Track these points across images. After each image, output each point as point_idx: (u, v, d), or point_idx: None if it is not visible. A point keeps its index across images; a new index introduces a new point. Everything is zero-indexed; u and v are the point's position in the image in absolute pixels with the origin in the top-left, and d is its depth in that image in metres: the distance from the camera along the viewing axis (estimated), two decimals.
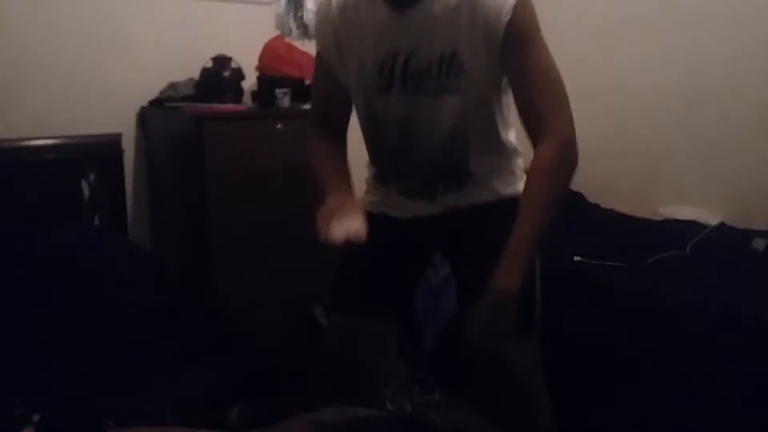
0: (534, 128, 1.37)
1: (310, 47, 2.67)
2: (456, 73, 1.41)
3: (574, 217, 2.61)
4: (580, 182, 2.54)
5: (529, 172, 1.39)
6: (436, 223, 1.59)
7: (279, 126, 2.49)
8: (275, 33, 2.85)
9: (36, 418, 1.16)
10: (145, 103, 2.67)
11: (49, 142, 2.40)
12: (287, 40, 2.82)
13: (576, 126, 1.37)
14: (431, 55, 1.41)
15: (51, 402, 1.20)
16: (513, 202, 1.44)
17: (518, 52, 1.35)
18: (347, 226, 1.36)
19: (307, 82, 2.58)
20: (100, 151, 2.50)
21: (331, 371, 1.65)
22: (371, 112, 1.53)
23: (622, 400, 2.02)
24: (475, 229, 1.55)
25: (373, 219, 1.60)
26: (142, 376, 1.51)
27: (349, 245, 1.35)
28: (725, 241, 2.33)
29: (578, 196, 2.89)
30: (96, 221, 2.45)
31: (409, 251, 1.66)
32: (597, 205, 2.88)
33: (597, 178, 2.90)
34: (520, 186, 1.56)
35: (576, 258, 2.23)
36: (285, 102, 2.59)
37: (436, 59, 1.41)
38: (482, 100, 1.46)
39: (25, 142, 2.36)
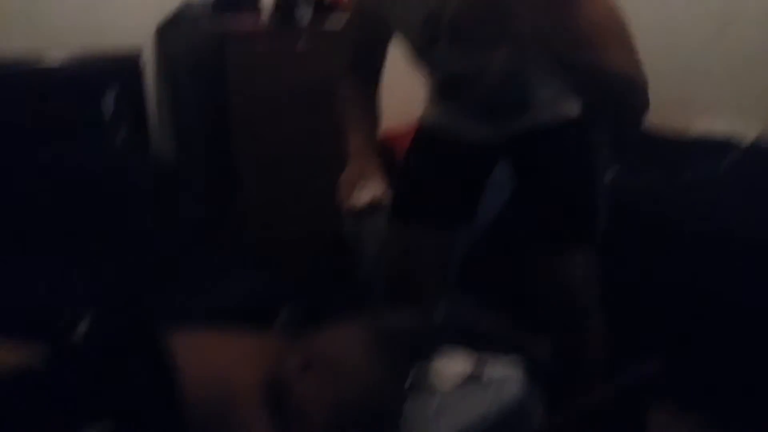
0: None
1: None
2: (508, 25, 1.27)
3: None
4: None
5: None
6: (499, 144, 1.56)
7: (301, 44, 2.43)
8: None
9: (86, 321, 1.15)
10: (163, 18, 2.59)
11: (69, 56, 2.34)
12: None
13: None
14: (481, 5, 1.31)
15: (102, 305, 1.19)
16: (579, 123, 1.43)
17: None
18: (369, 191, 1.35)
19: None
20: (121, 67, 2.44)
21: (384, 276, 1.66)
22: (421, 60, 1.48)
23: (647, 323, 2.01)
24: (539, 151, 1.53)
25: (434, 135, 1.59)
26: (187, 282, 1.51)
27: (373, 207, 1.34)
28: (761, 158, 2.29)
29: None
30: (119, 139, 2.41)
31: (471, 167, 1.64)
32: None
33: None
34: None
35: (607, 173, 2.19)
36: (306, 18, 2.51)
37: (485, 9, 1.30)
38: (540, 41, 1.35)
39: (46, 57, 2.29)
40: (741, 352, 1.85)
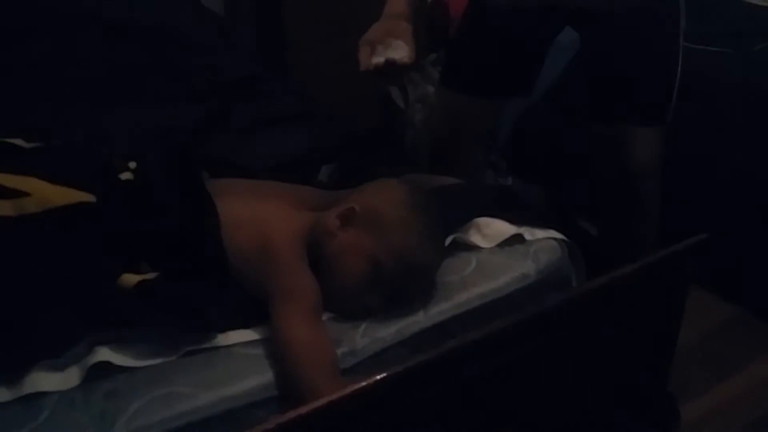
0: None
1: None
2: None
3: None
4: None
5: None
6: (564, 7, 1.43)
7: None
8: None
9: (133, 165, 1.17)
10: None
11: None
12: None
13: None
14: None
15: (148, 151, 1.20)
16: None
17: None
18: (391, 51, 1.22)
19: None
20: None
21: (423, 150, 1.63)
22: None
23: (725, 203, 1.94)
24: (612, 16, 1.40)
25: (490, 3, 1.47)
26: (230, 136, 1.51)
27: (393, 69, 1.22)
28: None
29: None
30: None
31: (531, 33, 1.53)
32: None
33: None
34: None
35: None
36: None
37: None
38: None
39: None
40: None
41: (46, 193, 1.01)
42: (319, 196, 1.22)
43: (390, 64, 1.23)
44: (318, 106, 1.71)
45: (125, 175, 1.14)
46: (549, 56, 1.61)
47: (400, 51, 1.24)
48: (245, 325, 1.02)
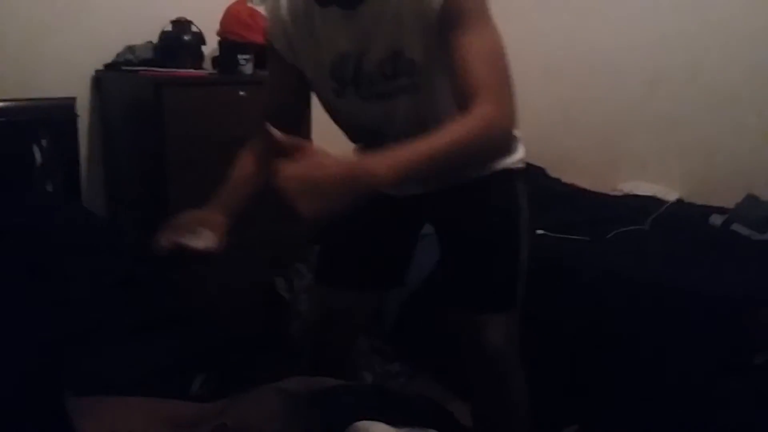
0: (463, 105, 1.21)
1: None
2: (407, 72, 1.33)
3: (535, 190, 2.62)
4: (541, 156, 2.58)
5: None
6: (423, 199, 1.53)
7: (242, 93, 2.44)
8: None
9: None
10: (100, 66, 2.58)
11: (0, 105, 2.30)
12: (250, 4, 2.75)
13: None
14: (379, 55, 1.32)
15: (6, 379, 1.15)
16: (503, 174, 1.46)
17: (454, 29, 1.22)
18: (198, 236, 1.26)
19: None
20: (53, 115, 2.42)
21: (304, 343, 1.64)
22: (332, 109, 1.48)
23: (585, 374, 2.05)
24: (462, 203, 1.51)
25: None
26: (101, 346, 1.47)
27: (194, 257, 1.26)
28: (684, 217, 2.38)
29: (540, 171, 2.91)
30: (49, 187, 2.37)
31: (398, 224, 1.62)
32: (558, 180, 2.91)
33: (558, 152, 2.94)
34: (509, 159, 1.51)
35: (538, 231, 2.24)
36: (248, 68, 2.54)
37: (384, 59, 1.32)
38: (444, 91, 1.31)
39: None
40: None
41: None
42: (194, 410, 1.19)
43: (189, 250, 1.26)
44: (195, 308, 1.71)
45: None
46: (421, 247, 1.70)
47: (203, 241, 1.27)
48: None
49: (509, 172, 1.52)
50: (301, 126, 1.55)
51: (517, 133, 1.45)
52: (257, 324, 2.38)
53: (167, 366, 1.39)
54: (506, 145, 1.38)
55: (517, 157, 1.53)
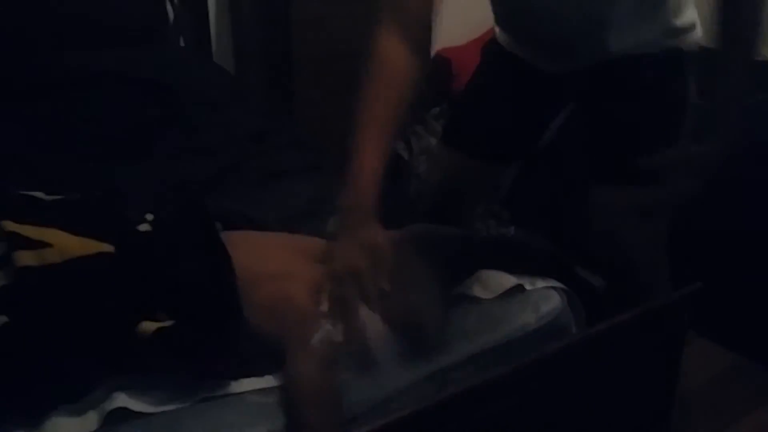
0: None
1: None
2: None
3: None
4: None
5: None
6: (573, 76, 1.45)
7: None
8: None
9: (150, 217, 1.22)
10: None
11: None
12: None
13: None
14: None
15: (165, 203, 1.26)
16: (669, 53, 1.35)
17: None
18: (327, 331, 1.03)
19: None
20: None
21: (422, 204, 1.66)
22: None
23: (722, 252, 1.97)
24: (617, 83, 1.41)
25: (505, 55, 1.51)
26: (239, 189, 1.57)
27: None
28: None
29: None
30: (181, 43, 2.46)
31: (538, 98, 1.54)
32: None
33: None
34: (679, 40, 1.39)
35: None
36: None
37: None
38: None
39: None
40: None
41: (67, 244, 1.06)
42: (329, 244, 1.26)
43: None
44: (325, 159, 1.77)
45: (143, 227, 1.19)
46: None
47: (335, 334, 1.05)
48: (258, 374, 1.06)
49: (678, 53, 1.40)
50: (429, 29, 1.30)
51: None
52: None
53: (302, 209, 1.47)
54: None
55: (692, 37, 1.41)
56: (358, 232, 1.13)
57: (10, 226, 1.05)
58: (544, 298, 1.25)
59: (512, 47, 1.53)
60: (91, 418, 0.97)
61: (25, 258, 1.02)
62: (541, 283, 1.27)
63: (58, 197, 1.23)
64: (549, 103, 1.59)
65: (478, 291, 1.25)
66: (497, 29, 1.57)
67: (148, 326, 0.99)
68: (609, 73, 1.41)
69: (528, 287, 1.26)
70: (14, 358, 0.96)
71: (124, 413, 0.97)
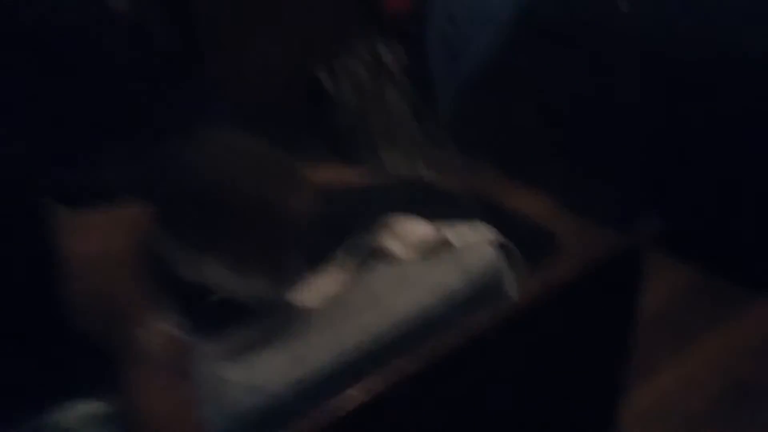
0: None
1: None
2: None
3: None
4: None
5: None
6: None
7: None
8: None
9: None
10: None
11: None
12: None
13: None
14: None
15: None
16: None
17: None
18: None
19: None
20: None
21: None
22: None
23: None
24: None
25: None
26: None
27: None
28: None
29: None
30: None
31: None
32: None
33: None
34: None
35: None
36: None
37: None
38: None
39: None
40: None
41: None
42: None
43: None
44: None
45: None
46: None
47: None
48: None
49: None
50: None
51: None
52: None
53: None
54: None
55: None
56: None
57: None
58: (476, 256, 1.05)
59: None
60: None
61: None
62: (471, 237, 1.07)
63: None
64: None
65: (396, 248, 1.06)
66: None
67: None
68: None
69: (456, 243, 1.06)
70: None
71: None
